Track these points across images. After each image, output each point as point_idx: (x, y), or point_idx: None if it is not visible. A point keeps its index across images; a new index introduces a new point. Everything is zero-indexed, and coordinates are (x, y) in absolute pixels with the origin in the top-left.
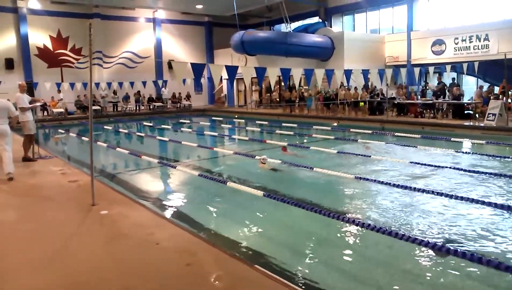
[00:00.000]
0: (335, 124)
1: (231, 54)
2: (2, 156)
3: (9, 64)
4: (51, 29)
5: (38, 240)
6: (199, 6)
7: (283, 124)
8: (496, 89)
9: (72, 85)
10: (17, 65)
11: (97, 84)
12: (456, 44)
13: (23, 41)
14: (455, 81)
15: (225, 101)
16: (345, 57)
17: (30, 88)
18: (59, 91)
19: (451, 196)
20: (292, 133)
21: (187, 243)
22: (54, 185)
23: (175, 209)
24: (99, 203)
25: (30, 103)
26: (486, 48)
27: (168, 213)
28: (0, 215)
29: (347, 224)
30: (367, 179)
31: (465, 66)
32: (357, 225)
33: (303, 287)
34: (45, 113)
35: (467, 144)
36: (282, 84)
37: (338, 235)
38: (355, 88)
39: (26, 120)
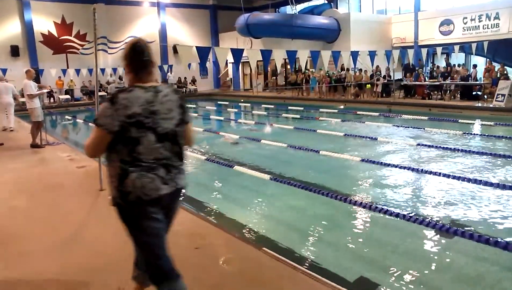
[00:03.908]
0: (342, 106)
1: (236, 37)
2: (9, 118)
3: (15, 51)
4: (55, 15)
5: (50, 225)
6: None
7: (290, 108)
8: (509, 70)
9: (77, 71)
10: (23, 52)
11: (103, 70)
12: (465, 23)
13: (27, 27)
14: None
15: (231, 85)
16: (351, 38)
17: (36, 75)
18: (59, 78)
19: (459, 178)
20: (298, 116)
21: (196, 227)
22: (62, 171)
23: (183, 193)
24: (107, 188)
25: (37, 90)
26: (496, 27)
27: None
28: (12, 201)
29: (354, 207)
30: (374, 162)
31: (474, 46)
32: (364, 207)
33: (311, 269)
34: (52, 100)
35: (475, 125)
36: (288, 66)
37: (345, 217)
38: (360, 70)
39: (34, 107)
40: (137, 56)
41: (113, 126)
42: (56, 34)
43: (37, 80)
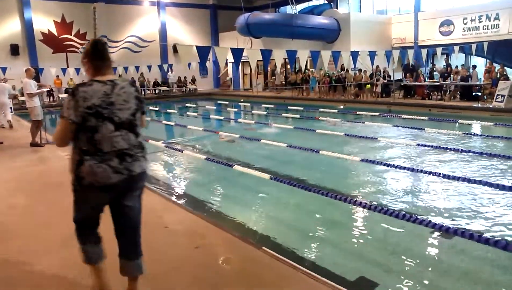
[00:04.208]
0: (342, 106)
1: (236, 37)
2: (6, 115)
3: (15, 50)
4: (55, 14)
5: (50, 223)
6: None
7: (289, 107)
8: (509, 71)
9: (77, 70)
10: (22, 51)
11: None
12: (465, 24)
13: (27, 26)
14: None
15: (230, 84)
16: (351, 39)
17: (36, 74)
18: (57, 77)
19: (458, 178)
20: (298, 116)
21: (196, 226)
22: (62, 170)
23: (183, 193)
24: None
25: (37, 89)
26: (496, 28)
27: (175, 197)
28: (12, 199)
29: (354, 206)
30: (374, 162)
31: (474, 46)
32: (364, 207)
33: (311, 268)
34: (51, 98)
35: (475, 126)
36: (288, 66)
37: (345, 217)
38: (360, 70)
39: (34, 105)
40: (97, 54)
41: (75, 116)
42: (56, 33)
43: (37, 79)
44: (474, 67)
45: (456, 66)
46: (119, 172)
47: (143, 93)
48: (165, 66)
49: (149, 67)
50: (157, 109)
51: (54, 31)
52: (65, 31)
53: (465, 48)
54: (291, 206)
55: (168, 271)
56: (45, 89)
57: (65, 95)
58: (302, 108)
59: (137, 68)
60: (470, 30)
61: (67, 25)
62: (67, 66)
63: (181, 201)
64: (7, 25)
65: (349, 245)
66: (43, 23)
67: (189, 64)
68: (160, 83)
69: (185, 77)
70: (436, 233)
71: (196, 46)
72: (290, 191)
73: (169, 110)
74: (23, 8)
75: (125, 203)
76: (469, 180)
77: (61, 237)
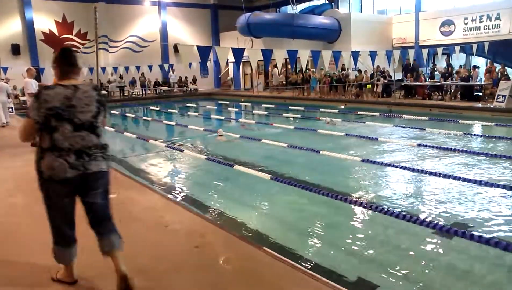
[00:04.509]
0: (342, 106)
1: (237, 37)
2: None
3: (16, 49)
4: (55, 14)
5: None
6: None
7: (290, 107)
8: (509, 71)
9: None
10: (23, 51)
11: (104, 69)
12: (466, 24)
13: (28, 26)
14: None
15: (231, 84)
16: (352, 39)
17: (37, 73)
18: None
19: (459, 178)
20: (299, 116)
21: (196, 226)
22: None
23: (183, 193)
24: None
25: (37, 88)
26: (497, 28)
27: (176, 197)
28: (12, 199)
29: (355, 206)
30: (374, 162)
31: (474, 46)
32: (364, 207)
33: (312, 268)
34: None
35: (475, 126)
36: (289, 66)
37: (346, 217)
38: (359, 70)
39: None
40: (64, 61)
41: (38, 116)
42: (57, 33)
43: (37, 78)
44: (475, 67)
45: (460, 66)
46: (75, 168)
47: (143, 92)
48: (166, 66)
49: (150, 67)
50: (158, 109)
51: (55, 31)
52: (66, 31)
53: (466, 48)
54: (292, 206)
55: (168, 271)
56: None
57: None
58: (303, 108)
59: (138, 68)
60: (471, 30)
61: (68, 25)
62: None
63: (182, 201)
64: (8, 24)
65: (349, 245)
66: (44, 22)
67: (190, 64)
68: (161, 83)
69: (186, 77)
70: (437, 233)
71: (197, 46)
72: (291, 191)
73: (170, 110)
74: (24, 8)
75: (87, 200)
76: (469, 180)
77: None
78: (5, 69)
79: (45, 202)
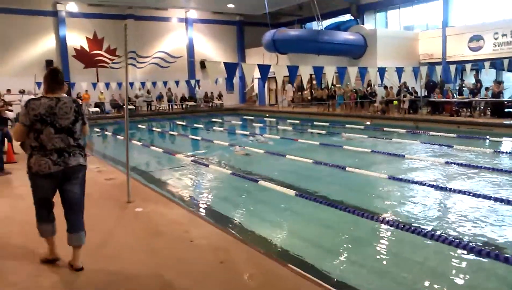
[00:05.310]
0: (368, 122)
1: (262, 53)
2: None
3: (49, 65)
4: (87, 31)
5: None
6: (231, 5)
7: (315, 123)
8: None
9: (107, 85)
10: (56, 66)
11: (131, 84)
12: (496, 39)
13: (61, 43)
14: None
15: (256, 100)
16: (378, 54)
17: (68, 88)
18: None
19: (490, 198)
20: (324, 132)
21: (221, 241)
22: (91, 183)
23: (209, 207)
24: (135, 201)
25: None
26: None
27: (201, 211)
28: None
29: (380, 224)
30: (401, 179)
31: (506, 62)
32: (390, 225)
33: (336, 286)
34: None
35: (506, 143)
36: (314, 82)
37: (371, 235)
38: (385, 87)
39: None
40: (52, 78)
41: (26, 121)
42: (87, 49)
43: (68, 93)
44: (500, 82)
45: (499, 82)
46: (57, 164)
47: (170, 107)
48: (193, 82)
49: (177, 82)
50: (184, 123)
51: (86, 47)
52: (96, 47)
53: (496, 63)
54: (316, 222)
55: (194, 286)
56: None
57: (95, 109)
58: (328, 124)
59: (165, 83)
60: (501, 45)
61: (98, 41)
62: (97, 81)
63: (207, 215)
64: (43, 42)
65: (374, 264)
66: (76, 39)
67: (216, 80)
68: (187, 98)
69: (211, 92)
70: (467, 255)
71: (224, 63)
72: (316, 208)
73: (195, 125)
74: (58, 25)
75: (64, 188)
76: (501, 200)
77: (87, 249)
78: (38, 84)
79: (32, 190)
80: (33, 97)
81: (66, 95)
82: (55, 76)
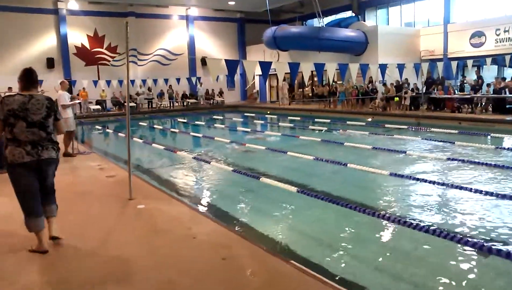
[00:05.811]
0: (369, 119)
1: (263, 50)
2: None
3: (50, 63)
4: (88, 29)
5: (79, 231)
6: (232, 3)
7: (316, 120)
8: None
9: (108, 82)
10: (57, 64)
11: (132, 81)
12: (498, 35)
13: (62, 40)
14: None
15: (257, 97)
16: (379, 51)
17: (69, 86)
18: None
19: (491, 194)
20: (325, 128)
21: (223, 238)
22: (92, 180)
23: (210, 204)
24: (136, 198)
25: (70, 100)
26: None
27: (203, 208)
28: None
29: (383, 221)
30: (402, 176)
31: (507, 58)
32: (392, 221)
33: (340, 283)
34: (80, 109)
35: (508, 140)
36: (315, 79)
37: (374, 231)
38: (384, 84)
39: (67, 116)
40: (27, 78)
41: (2, 115)
42: (88, 47)
43: (69, 90)
44: (503, 79)
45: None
46: (30, 155)
47: (171, 105)
48: (194, 79)
49: (178, 80)
50: (185, 121)
51: (87, 44)
52: (97, 45)
53: (498, 59)
54: (318, 219)
55: (196, 283)
56: (77, 101)
57: (96, 107)
58: (329, 121)
59: (166, 80)
60: (503, 41)
61: (99, 39)
62: (98, 78)
63: (208, 212)
64: (44, 40)
65: (378, 260)
66: (77, 37)
67: (218, 77)
68: (188, 95)
69: (212, 90)
70: (470, 250)
71: (225, 60)
72: (317, 204)
73: (197, 122)
74: (59, 23)
75: (41, 178)
76: (503, 196)
77: (88, 246)
78: (40, 82)
79: (12, 184)
80: (8, 94)
81: (40, 93)
82: (29, 75)
